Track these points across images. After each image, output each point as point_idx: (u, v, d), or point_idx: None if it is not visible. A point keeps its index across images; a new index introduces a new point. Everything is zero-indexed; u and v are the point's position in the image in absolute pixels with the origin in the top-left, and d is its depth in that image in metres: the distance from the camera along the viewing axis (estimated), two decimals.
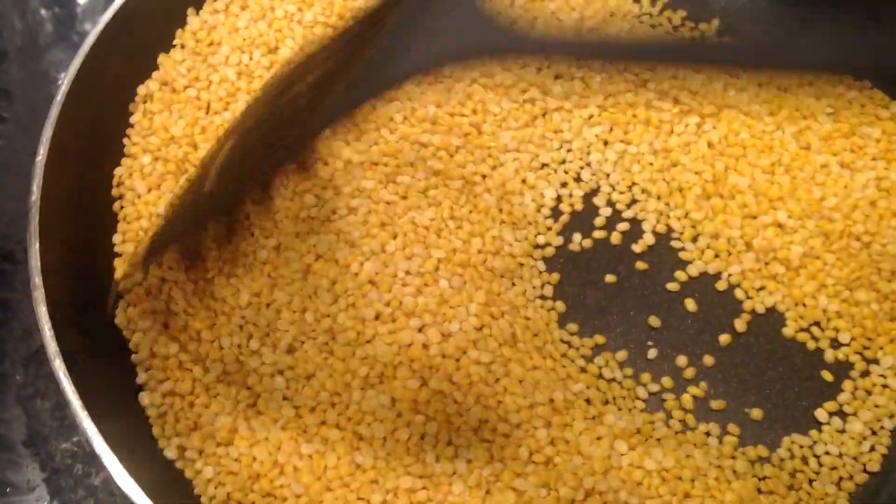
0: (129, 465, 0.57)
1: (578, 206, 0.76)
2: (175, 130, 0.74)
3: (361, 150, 0.73)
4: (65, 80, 0.69)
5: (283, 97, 0.60)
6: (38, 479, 0.69)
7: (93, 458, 0.68)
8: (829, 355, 0.70)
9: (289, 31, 0.79)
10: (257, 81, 0.76)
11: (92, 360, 0.63)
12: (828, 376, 0.69)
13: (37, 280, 0.62)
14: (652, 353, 0.70)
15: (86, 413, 0.58)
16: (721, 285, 0.72)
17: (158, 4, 0.77)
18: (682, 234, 0.74)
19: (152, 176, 0.72)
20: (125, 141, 0.74)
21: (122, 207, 0.72)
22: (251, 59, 0.78)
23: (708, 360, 0.70)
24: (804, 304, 0.71)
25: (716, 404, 0.68)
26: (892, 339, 0.70)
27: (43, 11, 0.91)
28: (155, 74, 0.77)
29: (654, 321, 0.71)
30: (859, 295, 0.70)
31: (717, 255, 0.73)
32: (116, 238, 0.70)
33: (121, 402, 0.64)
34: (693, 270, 0.73)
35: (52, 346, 0.60)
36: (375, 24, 0.56)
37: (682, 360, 0.70)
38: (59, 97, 0.68)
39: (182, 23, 0.79)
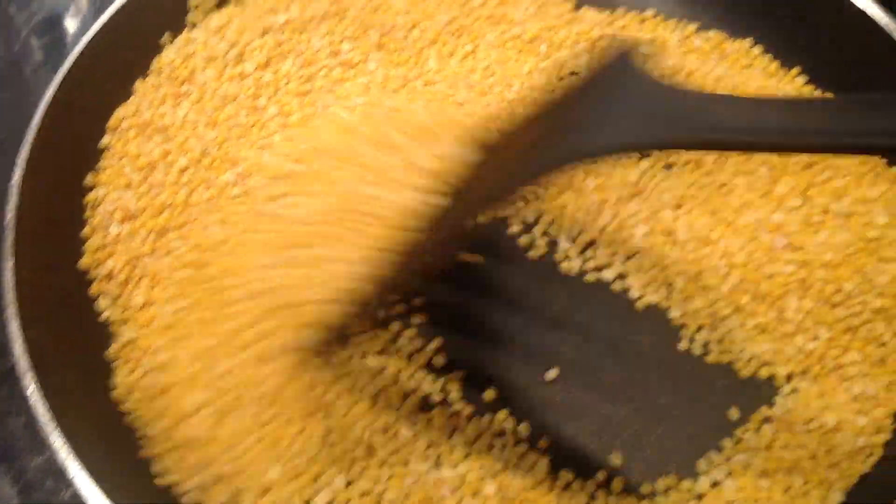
0: (98, 480, 0.59)
1: None
2: (146, 157, 0.75)
3: None
4: (41, 105, 0.71)
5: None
6: (12, 493, 0.70)
7: (62, 474, 0.69)
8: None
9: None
10: (231, 108, 0.79)
11: (63, 376, 0.64)
12: None
13: (9, 297, 0.64)
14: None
15: (55, 425, 0.59)
16: None
17: (135, 32, 0.79)
18: None
19: (120, 202, 0.73)
20: (99, 166, 0.76)
21: (92, 231, 0.73)
22: (226, 87, 0.80)
23: None
24: None
25: None
26: None
27: (33, 40, 0.93)
28: (130, 100, 0.79)
29: None
30: None
31: None
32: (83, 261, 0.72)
33: (92, 417, 0.65)
34: None
35: (23, 362, 0.61)
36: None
37: None
38: (36, 120, 0.70)
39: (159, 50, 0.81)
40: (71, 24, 0.94)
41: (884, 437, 0.66)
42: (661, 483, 0.66)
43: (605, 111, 0.51)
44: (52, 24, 0.95)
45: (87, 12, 0.95)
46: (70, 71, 0.74)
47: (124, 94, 0.79)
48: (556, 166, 0.52)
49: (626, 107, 0.51)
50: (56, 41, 0.93)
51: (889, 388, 0.68)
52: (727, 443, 0.67)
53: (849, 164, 0.76)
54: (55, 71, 0.74)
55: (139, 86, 0.79)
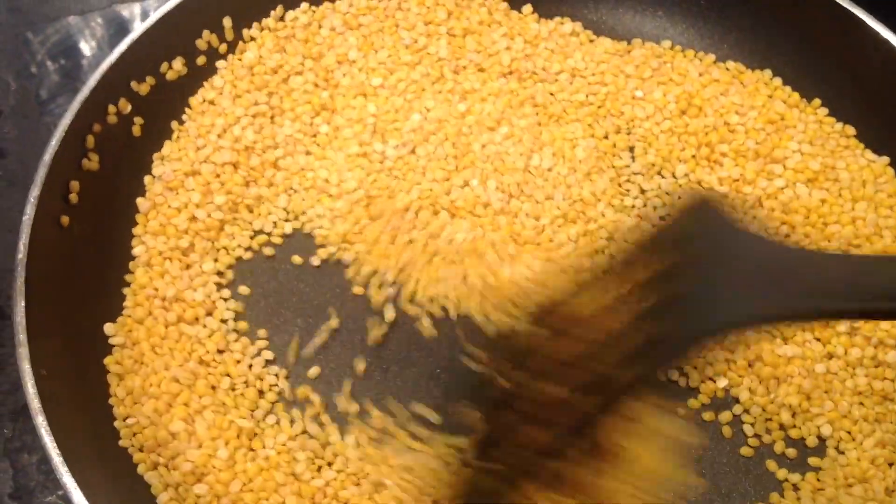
0: None
1: None
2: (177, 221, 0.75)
3: None
4: (53, 140, 0.70)
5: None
6: None
7: None
8: None
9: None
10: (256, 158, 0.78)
11: (75, 415, 0.64)
12: None
13: (21, 337, 0.63)
14: None
15: (66, 469, 0.59)
16: None
17: (150, 67, 0.79)
18: None
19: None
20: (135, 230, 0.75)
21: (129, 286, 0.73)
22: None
23: None
24: None
25: None
26: None
27: (49, 63, 0.93)
28: (156, 163, 0.78)
29: None
30: None
31: None
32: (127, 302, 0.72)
33: (103, 456, 0.64)
34: None
35: (34, 403, 0.61)
36: None
37: None
38: (47, 156, 0.70)
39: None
40: (86, 48, 0.94)
41: None
42: None
43: (720, 279, 0.48)
44: (69, 48, 0.95)
45: (102, 36, 0.95)
46: (82, 105, 0.73)
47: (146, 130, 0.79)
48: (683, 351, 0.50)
49: (740, 273, 0.48)
50: (72, 65, 0.93)
51: None
52: None
53: None
54: (72, 94, 0.73)
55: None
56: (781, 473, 0.68)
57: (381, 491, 0.65)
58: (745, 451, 0.68)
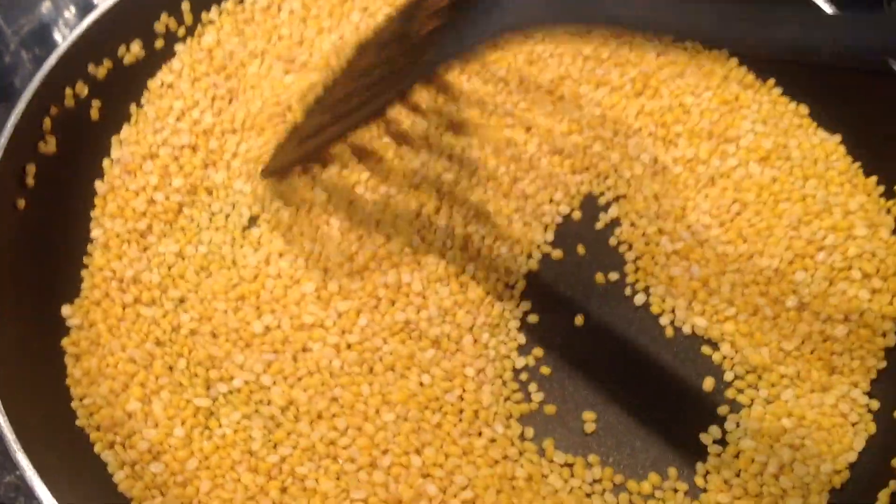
0: (63, 497, 0.59)
1: None
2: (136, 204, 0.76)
3: None
4: (8, 123, 0.70)
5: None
6: None
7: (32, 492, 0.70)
8: None
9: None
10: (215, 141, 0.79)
11: (31, 396, 0.64)
12: None
13: None
14: None
15: (19, 447, 0.59)
16: None
17: (107, 51, 0.79)
18: None
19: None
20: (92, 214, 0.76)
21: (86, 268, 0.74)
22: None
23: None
24: None
25: None
26: None
27: (23, 52, 0.93)
28: (114, 146, 0.79)
29: None
30: None
31: None
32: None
33: (60, 436, 0.65)
34: None
35: None
36: None
37: None
38: (3, 139, 0.69)
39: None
40: (59, 36, 0.94)
41: None
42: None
43: None
44: (42, 36, 0.95)
45: (75, 24, 0.95)
46: (43, 84, 0.73)
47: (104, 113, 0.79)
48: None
49: None
50: (46, 53, 0.93)
51: None
52: None
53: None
54: None
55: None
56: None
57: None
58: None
